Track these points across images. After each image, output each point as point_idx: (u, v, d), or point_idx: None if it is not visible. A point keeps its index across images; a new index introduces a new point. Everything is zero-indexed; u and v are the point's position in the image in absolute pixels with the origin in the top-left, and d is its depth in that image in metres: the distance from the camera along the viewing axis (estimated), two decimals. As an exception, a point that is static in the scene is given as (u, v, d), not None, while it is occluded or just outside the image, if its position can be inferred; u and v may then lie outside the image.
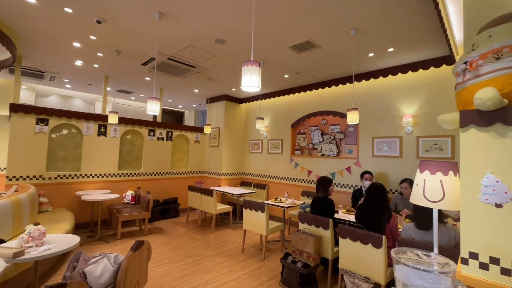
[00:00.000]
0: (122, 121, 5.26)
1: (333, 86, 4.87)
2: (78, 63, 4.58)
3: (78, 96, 7.13)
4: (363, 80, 4.40)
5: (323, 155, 5.07)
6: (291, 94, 5.60)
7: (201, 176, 6.78)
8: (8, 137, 5.42)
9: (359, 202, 3.08)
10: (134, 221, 5.15)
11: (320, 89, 5.05)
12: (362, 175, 3.99)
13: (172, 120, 10.11)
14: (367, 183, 3.82)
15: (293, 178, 5.51)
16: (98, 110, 7.32)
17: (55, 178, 4.46)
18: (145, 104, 8.35)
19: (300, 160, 5.43)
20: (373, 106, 4.35)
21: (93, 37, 3.50)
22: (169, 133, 6.13)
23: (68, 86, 6.38)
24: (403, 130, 3.99)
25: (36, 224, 2.02)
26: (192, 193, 5.33)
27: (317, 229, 2.96)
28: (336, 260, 2.87)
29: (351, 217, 3.28)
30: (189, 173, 6.51)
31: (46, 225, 3.28)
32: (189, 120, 9.59)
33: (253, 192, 5.45)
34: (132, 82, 5.74)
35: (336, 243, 2.90)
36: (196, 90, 6.25)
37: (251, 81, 1.52)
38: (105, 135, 5.06)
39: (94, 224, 4.65)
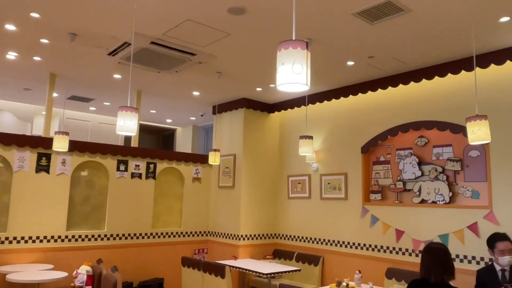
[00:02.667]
0: (76, 147, 5.50)
1: (436, 77, 4.76)
2: (11, 55, 4.97)
3: (8, 108, 7.69)
4: (492, 64, 4.25)
5: (423, 201, 4.86)
6: (360, 94, 5.56)
7: (204, 239, 6.77)
8: None
9: None
10: (91, 320, 5.18)
11: (412, 83, 4.97)
12: (491, 241, 3.66)
13: (156, 143, 10.45)
14: (506, 260, 3.49)
15: (370, 245, 5.30)
16: (38, 130, 7.78)
17: (-33, 243, 4.70)
18: (113, 118, 8.74)
19: (380, 212, 5.25)
20: (514, 110, 4.16)
21: (35, 15, 3.79)
22: (151, 165, 6.29)
23: (-7, 92, 6.92)
24: None
25: None
26: (188, 271, 5.30)
27: None
28: None
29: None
30: (184, 235, 6.54)
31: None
32: (183, 142, 9.84)
33: (296, 270, 5.28)
34: (93, 83, 6.08)
35: None
36: (195, 93, 6.45)
37: (293, 74, 1.50)
38: (47, 171, 5.32)
39: (24, 324, 4.74)
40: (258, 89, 6.02)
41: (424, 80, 4.86)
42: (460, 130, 4.50)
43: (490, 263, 3.89)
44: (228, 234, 6.47)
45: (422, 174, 4.94)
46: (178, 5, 3.52)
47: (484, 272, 3.67)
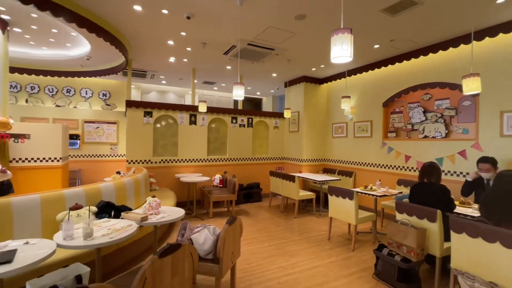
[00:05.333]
0: (209, 110, 5.90)
1: (440, 51, 4.12)
2: (171, 59, 5.35)
3: (171, 91, 8.38)
4: (486, 38, 3.56)
5: (426, 137, 4.44)
6: (383, 67, 5.05)
7: (281, 162, 6.99)
8: (123, 129, 6.91)
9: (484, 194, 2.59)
10: (222, 203, 5.80)
11: (421, 56, 4.37)
12: (477, 162, 3.26)
13: (251, 107, 10.69)
14: (486, 175, 3.12)
15: (386, 165, 5.04)
16: (187, 102, 8.43)
17: (159, 162, 5.45)
18: (227, 94, 9.10)
19: (395, 144, 4.91)
20: (502, 71, 3.49)
21: (183, 33, 4.01)
22: (250, 119, 6.53)
23: (163, 82, 7.55)
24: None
25: (153, 196, 2.55)
26: (274, 179, 5.59)
27: (419, 221, 2.67)
28: (446, 259, 2.53)
29: (469, 211, 2.80)
30: (270, 159, 6.81)
31: (156, 200, 4.09)
32: (267, 106, 9.94)
33: (338, 180, 5.29)
34: (215, 72, 6.33)
35: (447, 239, 2.55)
36: (274, 74, 6.39)
37: (342, 51, 1.47)
38: (195, 123, 5.82)
39: (190, 203, 5.48)
40: (313, 69, 5.76)
41: (430, 53, 4.24)
42: (456, 87, 3.93)
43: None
44: (295, 158, 6.61)
45: (426, 119, 4.47)
46: (264, 18, 3.46)
47: (471, 182, 3.30)
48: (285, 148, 7.01)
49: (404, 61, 4.65)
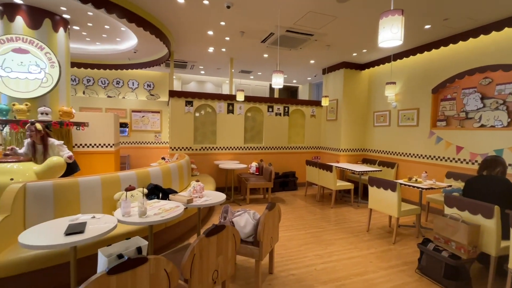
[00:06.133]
0: (245, 99, 5.98)
1: (506, 28, 3.64)
2: (210, 49, 5.48)
3: (209, 81, 8.62)
4: None
5: (482, 126, 4.01)
6: (433, 50, 4.62)
7: (317, 151, 6.87)
8: (166, 118, 7.33)
9: None
10: (258, 190, 5.94)
11: (481, 35, 3.90)
12: None
13: (287, 95, 10.57)
14: None
15: (434, 156, 4.69)
16: (225, 91, 8.61)
17: (199, 149, 5.72)
18: (263, 82, 9.10)
19: (444, 134, 4.53)
20: None
21: (222, 23, 4.08)
22: (286, 108, 6.48)
23: (202, 72, 7.79)
24: None
25: (197, 181, 2.72)
26: (310, 168, 5.54)
27: (472, 216, 2.47)
28: (502, 259, 2.33)
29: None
30: (306, 148, 6.74)
31: (197, 185, 4.33)
32: (303, 94, 9.74)
33: (378, 171, 5.07)
34: (252, 61, 6.34)
35: (505, 237, 2.33)
36: (312, 61, 6.22)
37: (391, 34, 1.39)
38: (232, 112, 5.96)
39: (228, 189, 5.70)
40: (354, 54, 5.48)
41: (493, 31, 3.76)
42: (524, 69, 3.46)
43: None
44: (332, 148, 6.44)
45: (484, 106, 4.03)
46: (304, 3, 3.36)
47: None
48: (322, 137, 6.86)
49: (460, 42, 4.19)
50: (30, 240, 1.56)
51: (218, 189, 5.74)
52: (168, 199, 2.57)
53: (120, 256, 1.37)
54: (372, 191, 3.70)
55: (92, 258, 2.14)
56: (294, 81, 9.01)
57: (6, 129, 3.77)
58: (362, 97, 6.27)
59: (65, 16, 4.08)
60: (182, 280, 1.66)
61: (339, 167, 5.26)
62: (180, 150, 5.58)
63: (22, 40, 3.74)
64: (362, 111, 6.28)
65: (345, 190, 5.86)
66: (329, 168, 4.88)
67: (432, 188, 3.52)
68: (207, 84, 8.61)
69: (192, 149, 5.66)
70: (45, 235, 1.64)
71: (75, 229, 1.70)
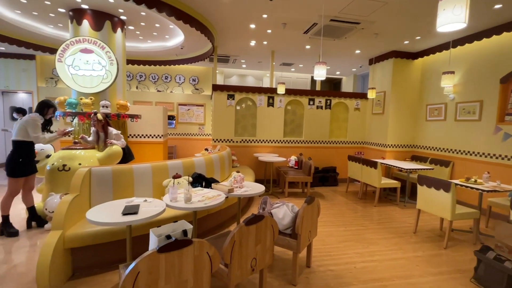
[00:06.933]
0: (286, 91, 5.92)
1: None
2: (252, 43, 5.53)
3: (250, 74, 8.71)
4: None
5: None
6: (504, 33, 4.02)
7: (361, 146, 6.55)
8: (209, 111, 7.63)
9: None
10: (297, 184, 5.90)
11: None
12: None
13: (329, 88, 10.20)
14: None
15: (500, 155, 4.14)
16: (265, 84, 8.63)
17: (240, 142, 5.86)
18: (304, 75, 8.90)
19: (514, 130, 3.96)
20: None
21: (265, 16, 4.07)
22: (328, 101, 6.26)
23: (244, 66, 7.90)
24: None
25: (238, 172, 2.80)
26: (352, 163, 5.31)
27: (547, 226, 2.14)
28: None
29: None
30: (348, 143, 6.46)
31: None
32: (347, 86, 9.30)
33: (429, 169, 4.65)
34: (293, 53, 6.24)
35: None
36: (357, 51, 5.88)
37: (453, 16, 1.25)
38: (273, 105, 5.96)
39: (267, 182, 5.77)
40: (406, 41, 5.03)
41: None
42: None
43: None
44: (377, 143, 6.07)
45: None
46: (351, -11, 3.17)
47: None
48: (366, 132, 6.50)
49: (540, 23, 3.59)
50: (95, 217, 1.78)
51: (257, 181, 5.84)
52: (211, 188, 2.70)
53: (168, 236, 1.50)
54: (422, 190, 3.42)
55: (142, 238, 2.37)
56: (338, 72, 8.63)
57: (75, 120, 4.31)
58: (413, 89, 5.76)
59: (122, 17, 4.46)
60: (222, 265, 1.75)
61: (384, 163, 4.94)
62: (222, 142, 5.78)
63: (88, 41, 4.20)
64: (413, 104, 5.78)
65: (391, 188, 5.50)
66: (373, 165, 4.63)
67: (495, 191, 3.12)
68: (248, 78, 8.71)
69: (233, 141, 5.82)
70: (106, 214, 1.86)
71: (130, 210, 1.89)
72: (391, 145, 5.75)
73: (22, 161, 2.98)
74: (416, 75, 5.76)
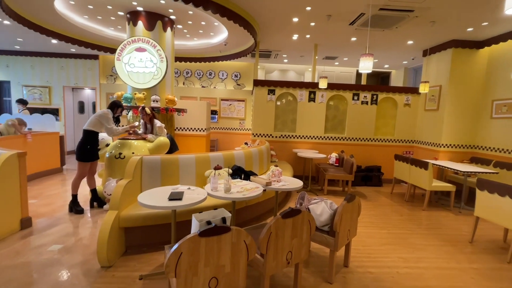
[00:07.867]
0: (328, 86, 5.71)
1: None
2: (295, 37, 5.44)
3: (292, 69, 8.59)
4: None
5: None
6: None
7: (410, 145, 6.05)
8: (250, 106, 7.74)
9: None
10: (337, 182, 5.70)
11: None
12: None
13: (376, 82, 9.59)
14: None
15: None
16: (307, 79, 8.45)
17: (279, 137, 5.85)
18: (348, 69, 8.50)
19: None
20: None
21: (308, 8, 3.97)
22: (374, 96, 5.89)
23: (285, 60, 7.83)
24: None
25: (276, 166, 2.82)
26: (399, 163, 4.95)
27: None
28: None
29: None
30: (396, 141, 6.02)
31: (276, 171, 4.48)
32: (396, 80, 8.63)
33: (494, 173, 4.11)
34: (338, 46, 5.99)
35: None
36: (409, 42, 5.41)
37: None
38: (314, 101, 5.81)
39: (305, 178, 5.68)
40: (469, 29, 4.48)
41: None
42: None
43: None
44: (429, 142, 5.55)
45: None
46: (404, -27, 2.93)
47: None
48: (417, 130, 5.98)
49: None
50: (145, 200, 1.95)
51: (295, 176, 5.78)
52: (250, 180, 2.76)
53: (208, 222, 1.58)
54: (482, 196, 3.04)
55: (185, 223, 2.53)
56: (386, 66, 8.06)
57: (130, 113, 4.74)
58: (476, 82, 5.12)
59: (171, 17, 4.74)
60: (258, 255, 1.79)
61: (437, 164, 4.51)
62: (261, 136, 5.84)
63: (142, 41, 4.57)
64: (475, 99, 5.15)
65: (443, 192, 5.00)
66: (424, 165, 4.25)
67: None
68: (290, 73, 8.61)
69: (272, 136, 5.84)
70: (155, 198, 2.02)
71: (175, 196, 2.04)
72: (446, 145, 5.21)
73: (90, 148, 3.45)
74: (481, 67, 5.10)
